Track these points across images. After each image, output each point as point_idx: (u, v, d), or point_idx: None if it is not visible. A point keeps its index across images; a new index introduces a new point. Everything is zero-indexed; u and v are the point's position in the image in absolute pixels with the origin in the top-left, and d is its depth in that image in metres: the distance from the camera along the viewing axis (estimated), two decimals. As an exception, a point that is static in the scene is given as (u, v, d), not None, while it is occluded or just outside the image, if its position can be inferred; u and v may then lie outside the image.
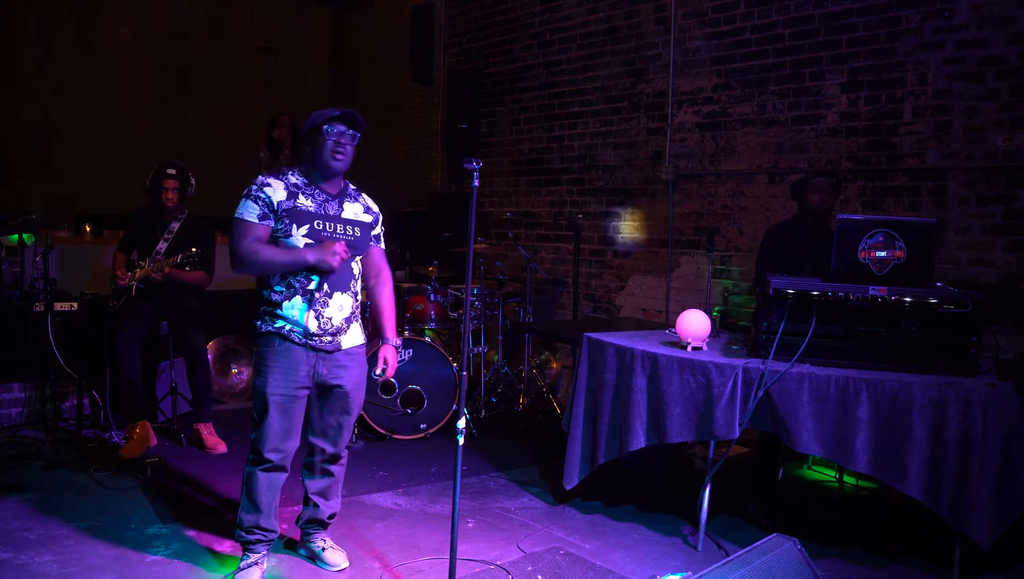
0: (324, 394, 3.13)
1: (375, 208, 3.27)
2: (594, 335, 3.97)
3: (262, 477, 3.04)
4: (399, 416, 4.99)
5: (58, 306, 4.89)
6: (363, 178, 10.80)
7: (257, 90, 9.68)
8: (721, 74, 5.48)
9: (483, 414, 5.57)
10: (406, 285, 5.72)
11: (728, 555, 3.20)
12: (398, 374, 4.98)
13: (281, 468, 3.07)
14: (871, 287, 3.29)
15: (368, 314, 3.84)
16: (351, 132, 3.02)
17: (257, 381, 3.03)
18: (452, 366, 5.10)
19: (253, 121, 8.34)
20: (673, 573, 3.23)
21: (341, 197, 3.13)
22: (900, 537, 3.70)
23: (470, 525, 3.75)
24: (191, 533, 3.52)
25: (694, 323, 3.66)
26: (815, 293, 3.34)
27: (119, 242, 4.91)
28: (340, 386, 3.11)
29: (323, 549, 3.26)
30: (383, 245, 3.35)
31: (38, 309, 4.81)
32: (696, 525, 3.59)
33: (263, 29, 9.90)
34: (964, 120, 4.35)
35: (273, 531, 3.13)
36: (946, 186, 4.44)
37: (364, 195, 3.27)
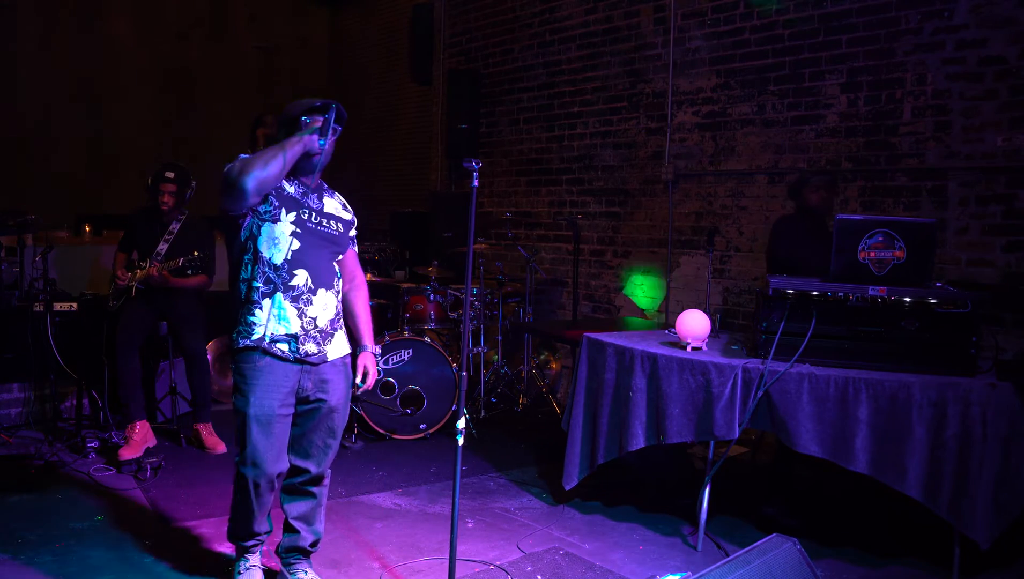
0: (307, 410, 2.90)
1: (351, 209, 3.08)
2: (594, 335, 3.97)
3: (252, 500, 2.87)
4: (399, 416, 4.99)
5: (58, 306, 4.89)
6: (363, 178, 10.78)
7: (257, 90, 9.68)
8: (721, 74, 5.48)
9: (483, 414, 5.57)
10: (405, 285, 5.72)
11: (728, 555, 3.20)
12: (398, 374, 4.99)
13: (270, 491, 2.89)
14: (871, 287, 3.29)
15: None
16: (335, 125, 2.83)
17: (237, 401, 2.83)
18: (452, 366, 5.10)
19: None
20: (673, 573, 3.23)
21: (320, 192, 2.95)
22: (900, 537, 3.70)
23: (470, 525, 3.75)
24: (191, 534, 3.53)
25: (694, 323, 3.66)
26: (814, 293, 3.34)
27: (119, 242, 4.91)
28: (325, 402, 2.88)
29: None
30: (356, 249, 3.13)
31: (38, 309, 4.82)
32: (696, 525, 3.59)
33: (263, 29, 9.91)
34: (963, 120, 4.35)
35: (267, 531, 3.02)
36: (945, 186, 4.44)
37: (339, 195, 3.07)
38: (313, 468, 2.95)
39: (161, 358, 5.14)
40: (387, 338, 5.03)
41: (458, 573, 2.90)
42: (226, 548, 3.35)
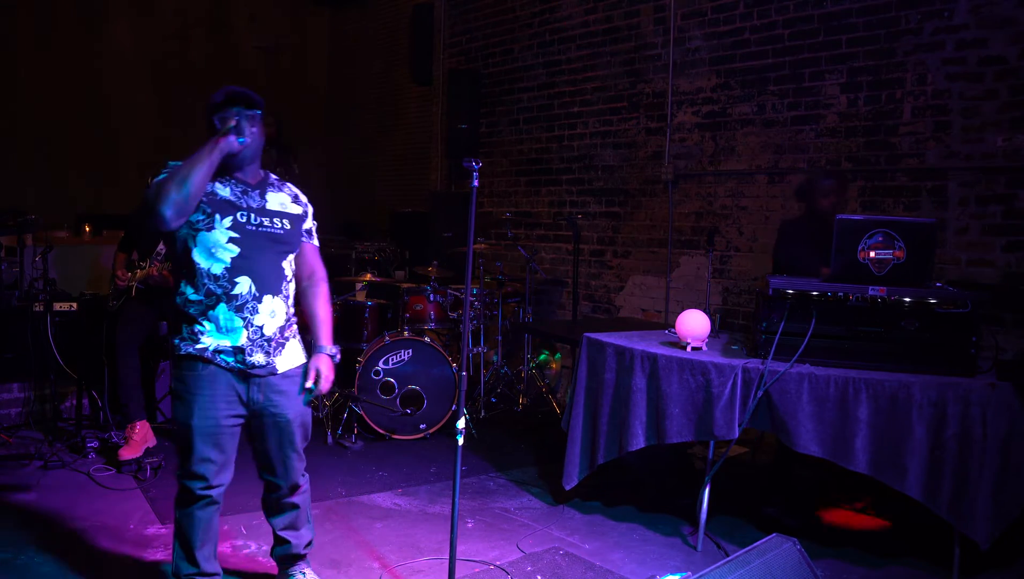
0: (264, 424, 2.74)
1: (304, 199, 2.89)
2: (594, 335, 3.97)
3: (199, 516, 2.70)
4: (399, 416, 4.99)
5: (57, 306, 4.89)
6: (363, 178, 10.75)
7: (257, 90, 9.66)
8: (721, 74, 5.48)
9: (483, 414, 5.57)
10: (405, 285, 5.72)
11: (728, 555, 3.20)
12: (398, 374, 4.99)
13: (215, 504, 2.73)
14: (871, 287, 3.29)
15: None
16: (248, 112, 2.68)
17: (179, 411, 2.64)
18: (451, 366, 5.10)
19: (253, 121, 8.34)
20: (673, 573, 3.23)
21: (262, 187, 2.76)
22: (900, 537, 3.70)
23: (469, 525, 3.75)
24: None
25: (693, 323, 3.66)
26: (814, 293, 3.34)
27: (119, 242, 4.91)
28: (280, 415, 2.73)
29: None
30: (316, 241, 2.92)
31: (38, 309, 4.82)
32: (695, 525, 3.59)
33: (263, 29, 9.91)
34: (963, 120, 4.35)
35: (216, 575, 2.80)
36: (945, 186, 4.44)
37: (290, 185, 2.90)
38: (284, 483, 2.86)
39: (161, 358, 5.13)
40: (387, 338, 5.03)
41: (458, 573, 2.90)
42: (226, 548, 3.35)
